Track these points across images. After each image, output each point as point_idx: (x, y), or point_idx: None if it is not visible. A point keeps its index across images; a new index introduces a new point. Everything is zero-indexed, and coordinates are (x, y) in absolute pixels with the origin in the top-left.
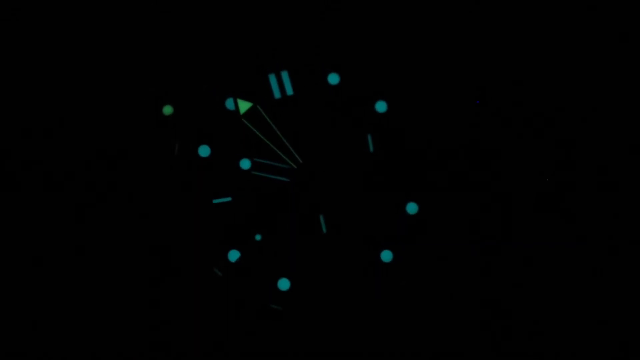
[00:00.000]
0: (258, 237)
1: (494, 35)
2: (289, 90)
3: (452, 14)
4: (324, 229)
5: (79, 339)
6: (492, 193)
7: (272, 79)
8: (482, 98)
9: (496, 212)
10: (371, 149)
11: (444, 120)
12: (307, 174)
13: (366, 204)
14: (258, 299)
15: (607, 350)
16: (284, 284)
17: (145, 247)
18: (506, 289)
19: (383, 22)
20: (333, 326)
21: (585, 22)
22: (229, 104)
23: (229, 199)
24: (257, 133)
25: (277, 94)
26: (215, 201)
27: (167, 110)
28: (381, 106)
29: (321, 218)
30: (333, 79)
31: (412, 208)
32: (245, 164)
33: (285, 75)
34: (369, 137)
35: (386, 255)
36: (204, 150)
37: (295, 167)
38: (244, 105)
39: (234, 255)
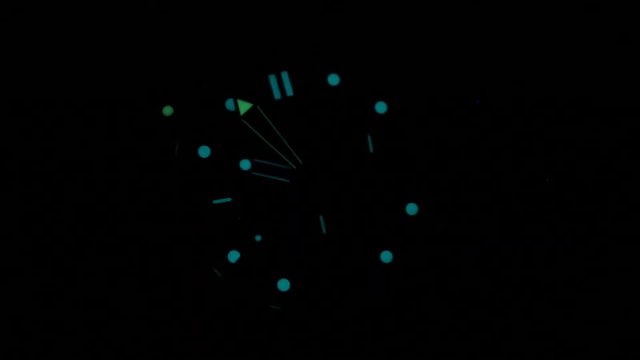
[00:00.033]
0: (258, 238)
1: (494, 35)
2: (289, 91)
3: (452, 14)
4: (324, 230)
5: (79, 340)
6: (492, 193)
7: (272, 79)
8: (482, 98)
9: (496, 213)
10: (371, 149)
11: (444, 120)
12: (307, 175)
13: (366, 204)
14: (258, 300)
15: (607, 350)
16: (283, 285)
17: (145, 248)
18: (506, 289)
19: (383, 22)
20: (333, 326)
21: (585, 22)
22: (229, 104)
23: (229, 199)
24: (257, 134)
25: (277, 95)
26: (215, 202)
27: (167, 111)
28: (381, 107)
29: (321, 219)
30: (333, 79)
31: (411, 209)
32: (245, 164)
33: (285, 76)
34: (369, 138)
35: (386, 256)
36: (204, 151)
37: (295, 167)
38: (244, 106)
39: (233, 256)
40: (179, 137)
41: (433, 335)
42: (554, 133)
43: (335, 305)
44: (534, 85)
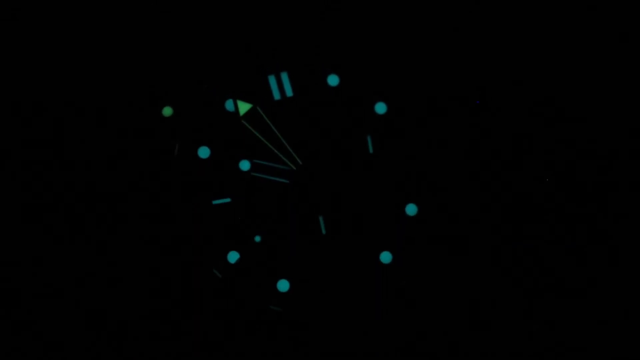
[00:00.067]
0: (257, 239)
1: (494, 35)
2: (289, 92)
3: (452, 14)
4: (323, 230)
5: (80, 340)
6: (491, 193)
7: (272, 80)
8: (482, 98)
9: (496, 213)
10: (371, 150)
11: (444, 121)
12: (307, 175)
13: (365, 205)
14: (257, 300)
15: (607, 350)
16: (283, 285)
17: (145, 248)
18: (506, 289)
19: (383, 23)
20: (332, 327)
21: (585, 22)
22: (229, 105)
23: (228, 200)
24: (257, 134)
25: (276, 96)
26: (215, 202)
27: (167, 111)
28: (381, 107)
29: (320, 219)
30: (333, 80)
31: (411, 209)
32: (244, 165)
33: (284, 76)
34: (369, 139)
35: (385, 257)
36: (204, 152)
37: (294, 168)
38: (243, 107)
39: (233, 257)
40: (179, 137)
41: (433, 336)
42: (554, 133)
43: (334, 306)
44: (534, 85)
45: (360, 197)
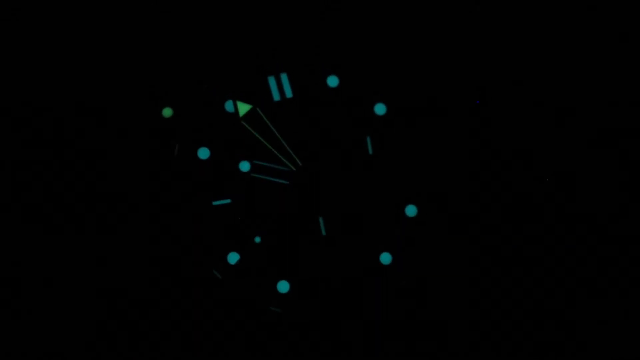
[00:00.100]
0: (257, 240)
1: (494, 35)
2: (288, 93)
3: (452, 14)
4: (323, 231)
5: (80, 340)
6: (491, 193)
7: (272, 81)
8: (482, 98)
9: (496, 213)
10: (370, 151)
11: (444, 121)
12: (307, 176)
13: (365, 206)
14: (257, 302)
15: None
16: (283, 287)
17: (145, 250)
18: (505, 289)
19: (382, 24)
20: (332, 328)
21: (585, 22)
22: (229, 106)
23: (228, 201)
24: (257, 135)
25: (276, 97)
26: (215, 203)
27: (167, 112)
28: (380, 109)
29: (320, 220)
30: (332, 81)
31: (411, 210)
32: (244, 166)
33: (284, 77)
34: (368, 140)
35: (385, 258)
36: (204, 153)
37: (294, 169)
38: (243, 108)
39: (233, 258)
40: (179, 138)
41: (433, 336)
42: (554, 133)
43: (334, 307)
44: (534, 85)
45: (360, 198)
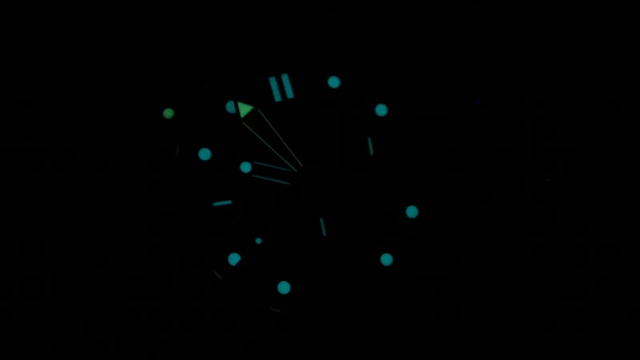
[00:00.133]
0: (258, 241)
1: (494, 36)
2: (290, 94)
3: (452, 14)
4: (324, 232)
5: (80, 342)
6: (492, 195)
7: (273, 82)
8: (482, 98)
9: (496, 214)
10: (371, 152)
11: (444, 122)
12: (308, 177)
13: (366, 207)
14: (258, 302)
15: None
16: (284, 287)
17: (146, 250)
18: (506, 289)
19: (383, 24)
20: (333, 329)
21: (585, 22)
22: (230, 107)
23: (229, 202)
24: (258, 136)
25: (277, 97)
26: (216, 204)
27: (168, 113)
28: (381, 109)
29: (321, 221)
30: (333, 82)
31: (412, 212)
32: (245, 167)
33: (285, 78)
34: (369, 140)
35: (386, 259)
36: (205, 154)
37: (295, 170)
38: (244, 109)
39: (234, 259)
40: (180, 139)
41: (433, 336)
42: (554, 133)
43: (335, 308)
44: (534, 85)
45: (361, 199)
